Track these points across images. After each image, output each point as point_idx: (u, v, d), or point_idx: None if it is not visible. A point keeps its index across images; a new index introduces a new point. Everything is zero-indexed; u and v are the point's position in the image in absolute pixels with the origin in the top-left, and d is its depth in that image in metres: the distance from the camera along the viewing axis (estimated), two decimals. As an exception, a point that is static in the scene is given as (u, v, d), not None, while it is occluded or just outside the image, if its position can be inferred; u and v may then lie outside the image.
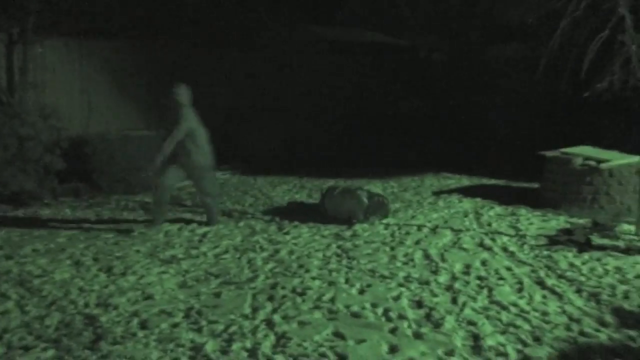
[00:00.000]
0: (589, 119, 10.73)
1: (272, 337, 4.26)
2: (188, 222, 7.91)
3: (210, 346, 4.11)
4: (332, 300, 4.98)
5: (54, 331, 4.40)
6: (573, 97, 8.86)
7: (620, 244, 6.39)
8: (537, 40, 11.07)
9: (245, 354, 4.00)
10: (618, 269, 5.69)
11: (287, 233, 7.32)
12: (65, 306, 4.90)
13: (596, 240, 6.50)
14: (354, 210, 7.83)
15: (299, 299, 5.01)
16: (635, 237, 6.58)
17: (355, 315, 4.65)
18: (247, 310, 4.79)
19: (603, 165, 8.19)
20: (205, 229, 7.55)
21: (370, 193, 7.97)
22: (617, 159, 8.33)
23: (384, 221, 7.78)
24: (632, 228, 6.84)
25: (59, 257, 6.30)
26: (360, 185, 8.10)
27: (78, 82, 11.13)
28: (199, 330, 4.39)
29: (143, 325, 4.50)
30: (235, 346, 4.11)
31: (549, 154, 8.93)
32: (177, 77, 11.99)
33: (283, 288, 5.29)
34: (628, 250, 6.23)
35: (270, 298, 5.05)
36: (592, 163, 8.36)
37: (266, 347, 4.10)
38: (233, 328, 4.42)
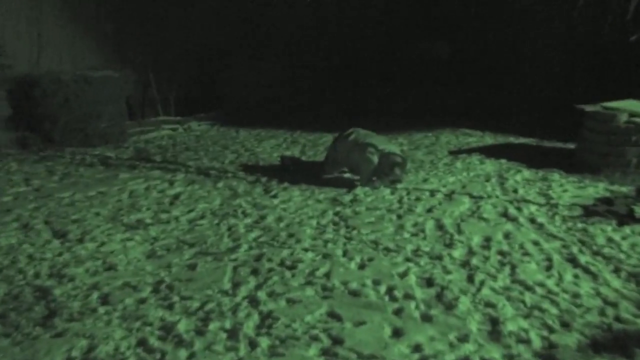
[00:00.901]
0: (637, 68, 10.75)
1: (256, 317, 4.35)
2: (157, 180, 7.97)
3: (183, 325, 4.21)
4: (327, 275, 5.07)
5: (0, 304, 4.49)
6: (618, 41, 8.84)
7: (668, 216, 6.49)
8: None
9: (224, 335, 4.10)
10: (664, 246, 5.79)
11: (274, 196, 7.40)
12: (13, 276, 4.99)
13: (640, 211, 6.59)
14: (357, 168, 7.93)
15: (288, 274, 5.09)
16: (686, 209, 6.66)
17: (354, 293, 4.74)
18: (227, 285, 4.88)
19: (652, 124, 8.25)
20: (177, 189, 7.61)
21: (386, 153, 7.96)
22: (669, 117, 8.38)
23: (391, 185, 7.84)
24: (683, 198, 6.92)
25: (4, 220, 6.38)
26: (377, 142, 8.07)
27: (26, 10, 11.04)
28: (170, 307, 4.48)
29: (104, 300, 4.59)
30: (212, 326, 4.20)
31: (589, 108, 8.97)
32: (145, 9, 11.99)
33: (269, 260, 5.38)
34: (676, 224, 6.32)
35: (254, 272, 5.14)
36: (639, 120, 8.39)
37: (249, 327, 4.19)
38: (210, 305, 4.51)
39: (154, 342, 4.00)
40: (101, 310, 4.43)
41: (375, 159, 7.87)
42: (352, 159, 8.04)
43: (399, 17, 15.75)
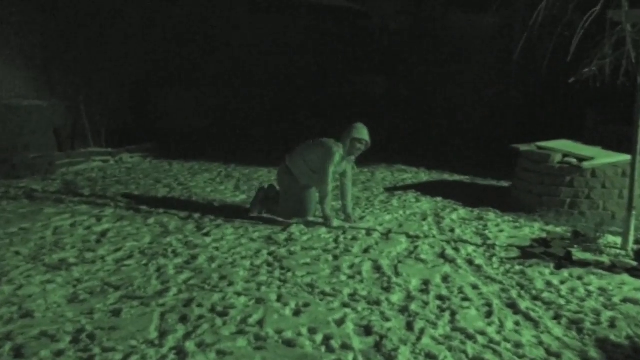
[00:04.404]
0: (571, 109, 10.80)
1: (183, 371, 4.00)
2: (84, 216, 7.55)
3: (103, 382, 3.83)
4: (261, 323, 4.75)
5: None
6: (553, 82, 8.83)
7: (605, 259, 6.35)
8: (513, 10, 11.07)
9: (147, 393, 3.74)
10: (602, 291, 5.63)
11: (207, 234, 7.06)
12: None
13: (577, 254, 6.45)
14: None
15: (219, 321, 4.75)
16: (622, 252, 6.56)
17: (289, 343, 4.43)
18: (153, 334, 4.51)
19: (585, 164, 8.19)
20: (105, 226, 7.20)
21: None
22: (601, 157, 8.34)
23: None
24: (618, 240, 6.82)
25: None
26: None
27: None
28: (89, 361, 4.10)
29: (17, 353, 4.17)
30: (135, 382, 3.84)
31: (523, 147, 8.91)
32: (77, 35, 11.57)
33: (200, 306, 5.02)
34: (613, 268, 6.19)
35: (183, 319, 4.78)
36: (573, 161, 8.35)
37: (175, 384, 3.84)
38: (134, 358, 4.13)
39: (69, 402, 3.61)
40: (13, 364, 4.02)
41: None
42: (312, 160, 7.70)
43: (338, 52, 15.67)
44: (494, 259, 6.46)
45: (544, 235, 7.36)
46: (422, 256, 6.47)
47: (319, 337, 4.53)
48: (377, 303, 5.20)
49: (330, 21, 16.31)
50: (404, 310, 5.07)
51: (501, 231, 7.53)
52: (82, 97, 11.65)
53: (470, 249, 6.79)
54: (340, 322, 4.79)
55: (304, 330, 4.63)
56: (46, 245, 6.48)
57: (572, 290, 5.62)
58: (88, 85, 11.80)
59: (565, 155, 8.51)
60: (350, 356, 4.26)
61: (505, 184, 10.07)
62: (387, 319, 4.87)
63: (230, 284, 5.54)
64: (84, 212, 7.76)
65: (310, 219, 7.72)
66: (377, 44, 15.97)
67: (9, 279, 5.45)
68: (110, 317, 4.78)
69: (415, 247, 6.77)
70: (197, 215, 7.79)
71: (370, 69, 15.88)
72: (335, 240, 6.98)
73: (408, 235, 7.22)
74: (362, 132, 7.57)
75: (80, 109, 11.64)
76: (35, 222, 7.27)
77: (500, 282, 5.77)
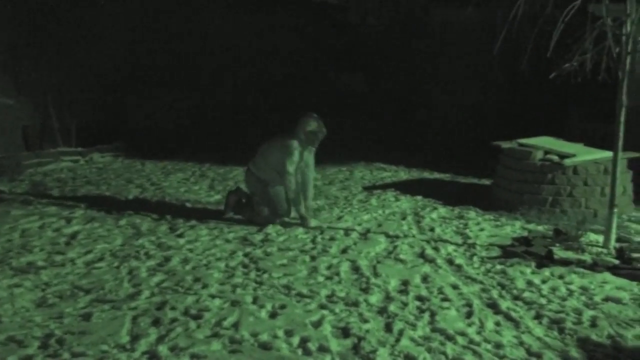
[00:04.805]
0: (553, 105, 10.89)
1: (156, 376, 4.00)
2: (53, 218, 7.51)
3: (72, 388, 3.82)
4: (236, 325, 4.76)
5: None
6: (535, 78, 8.90)
7: (586, 257, 6.41)
8: (495, 5, 11.15)
9: (118, 399, 3.73)
10: (584, 290, 5.69)
11: (181, 236, 7.05)
12: None
13: (559, 252, 6.51)
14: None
15: (192, 324, 4.75)
16: (604, 250, 6.62)
17: (265, 346, 4.43)
18: (125, 338, 4.50)
19: (567, 161, 8.27)
20: (74, 228, 7.16)
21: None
22: (583, 154, 8.42)
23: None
24: (600, 238, 6.89)
25: None
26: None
27: None
28: (59, 366, 4.08)
29: (-17, 359, 4.15)
30: (106, 388, 3.83)
31: (505, 145, 8.97)
32: (46, 31, 11.49)
33: (173, 309, 5.02)
34: (595, 266, 6.25)
35: (156, 322, 4.78)
36: (555, 158, 8.42)
37: (147, 389, 3.84)
38: (105, 363, 4.13)
39: (37, 409, 3.60)
40: (-21, 371, 4.00)
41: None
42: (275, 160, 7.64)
43: (314, 49, 15.67)
44: (475, 259, 6.51)
45: (525, 233, 7.43)
46: (402, 256, 6.51)
47: (295, 340, 4.54)
48: (355, 304, 5.22)
49: (308, 17, 16.31)
50: (382, 311, 5.10)
51: (482, 230, 7.59)
52: (50, 96, 11.58)
53: (451, 248, 6.84)
54: (317, 324, 4.81)
55: (280, 333, 4.64)
56: (13, 248, 6.44)
57: (554, 290, 5.67)
58: (57, 83, 11.72)
59: (547, 152, 8.59)
60: (328, 358, 4.27)
61: (486, 182, 10.14)
62: (366, 320, 4.90)
63: (205, 286, 5.54)
64: (53, 214, 7.72)
65: (286, 219, 7.73)
66: (357, 40, 15.98)
67: (-26, 283, 5.42)
68: (80, 321, 4.77)
69: (395, 247, 6.81)
70: (170, 216, 7.78)
71: (351, 66, 15.90)
72: (313, 241, 7.00)
73: (387, 235, 7.26)
74: (315, 124, 7.56)
75: (48, 106, 11.56)
76: (2, 224, 7.22)
77: (481, 282, 5.82)
